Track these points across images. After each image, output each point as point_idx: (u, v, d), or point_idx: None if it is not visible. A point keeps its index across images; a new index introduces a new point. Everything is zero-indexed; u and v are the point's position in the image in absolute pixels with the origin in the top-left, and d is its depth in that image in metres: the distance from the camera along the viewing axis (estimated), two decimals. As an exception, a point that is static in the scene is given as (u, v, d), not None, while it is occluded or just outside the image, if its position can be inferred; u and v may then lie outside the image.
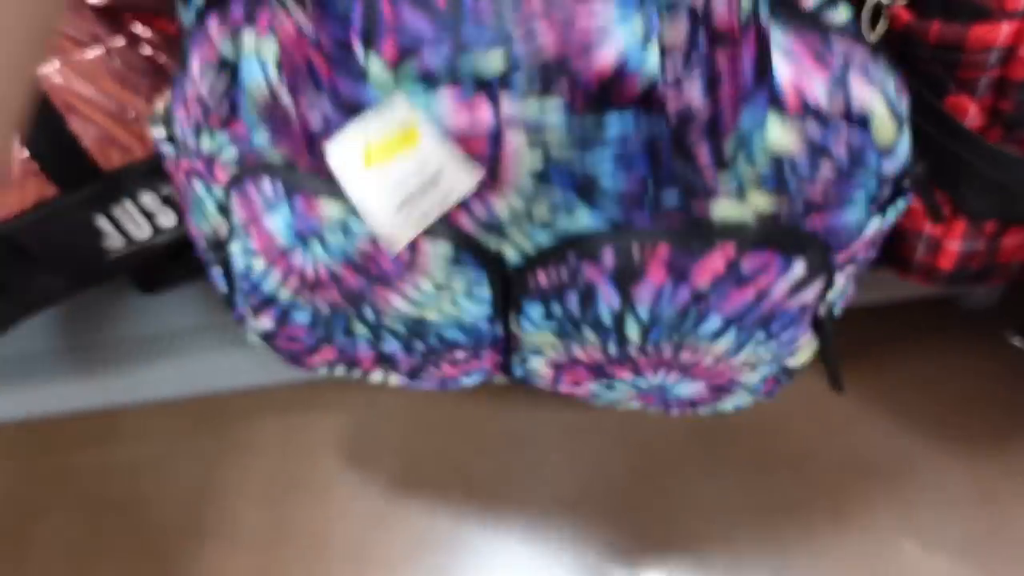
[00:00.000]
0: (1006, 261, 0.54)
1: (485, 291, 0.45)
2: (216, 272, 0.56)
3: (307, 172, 0.42)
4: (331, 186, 0.41)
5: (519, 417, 0.81)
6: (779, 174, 0.38)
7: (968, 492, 0.69)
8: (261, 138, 0.43)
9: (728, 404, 0.55)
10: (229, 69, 0.43)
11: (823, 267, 0.43)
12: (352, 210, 0.41)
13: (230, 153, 0.46)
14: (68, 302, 0.88)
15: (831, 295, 0.47)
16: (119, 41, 0.56)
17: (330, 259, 0.45)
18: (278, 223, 0.45)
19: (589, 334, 0.46)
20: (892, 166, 0.41)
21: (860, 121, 0.38)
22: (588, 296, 0.43)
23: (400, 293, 0.46)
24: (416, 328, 0.49)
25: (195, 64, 0.44)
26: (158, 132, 0.49)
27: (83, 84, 0.56)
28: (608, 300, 0.43)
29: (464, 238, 0.42)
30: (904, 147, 0.41)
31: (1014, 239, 0.53)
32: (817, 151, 0.37)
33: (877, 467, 0.72)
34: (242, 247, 0.49)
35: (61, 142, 0.57)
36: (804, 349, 0.53)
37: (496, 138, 0.36)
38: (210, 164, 0.48)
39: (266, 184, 0.44)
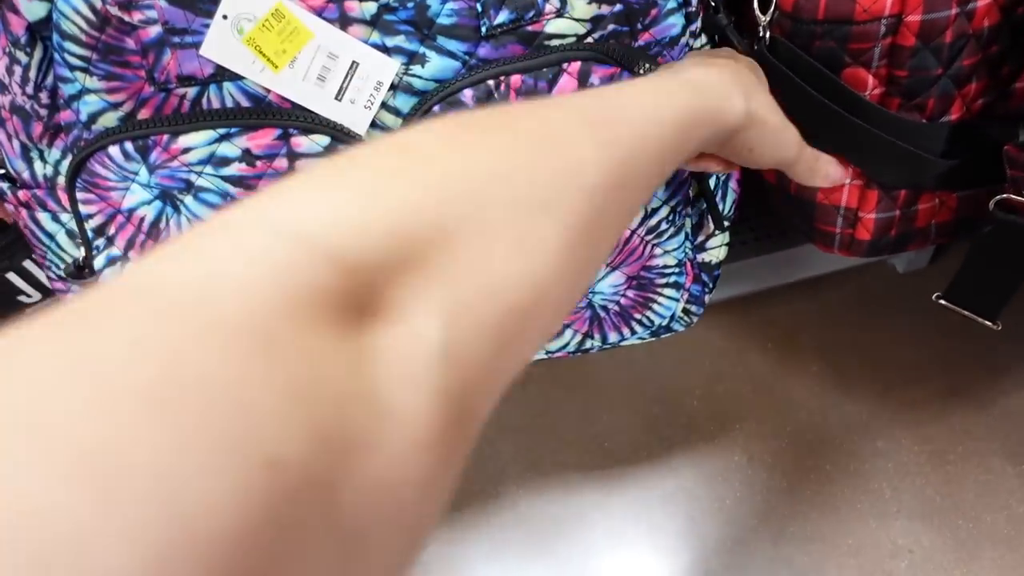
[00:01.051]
0: (923, 226, 0.55)
1: None
2: None
3: (153, 117, 0.42)
4: (183, 118, 0.41)
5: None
6: None
7: (918, 456, 0.70)
8: (92, 102, 0.42)
9: (661, 311, 0.55)
10: (38, 37, 0.41)
11: None
12: (217, 136, 0.41)
13: (67, 164, 0.44)
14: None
15: None
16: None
17: (205, 210, 0.44)
18: (138, 195, 0.44)
19: None
20: None
21: None
22: None
23: None
24: None
25: (1, 61, 0.42)
26: None
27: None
28: None
29: (338, 128, 0.43)
30: None
31: (928, 204, 0.53)
32: None
33: (828, 441, 0.72)
34: (107, 258, 0.46)
35: None
36: (714, 242, 0.56)
37: None
38: (51, 189, 0.46)
39: (115, 153, 0.42)
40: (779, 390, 0.76)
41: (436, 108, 0.43)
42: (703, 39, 0.48)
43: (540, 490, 0.74)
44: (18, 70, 0.42)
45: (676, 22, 0.45)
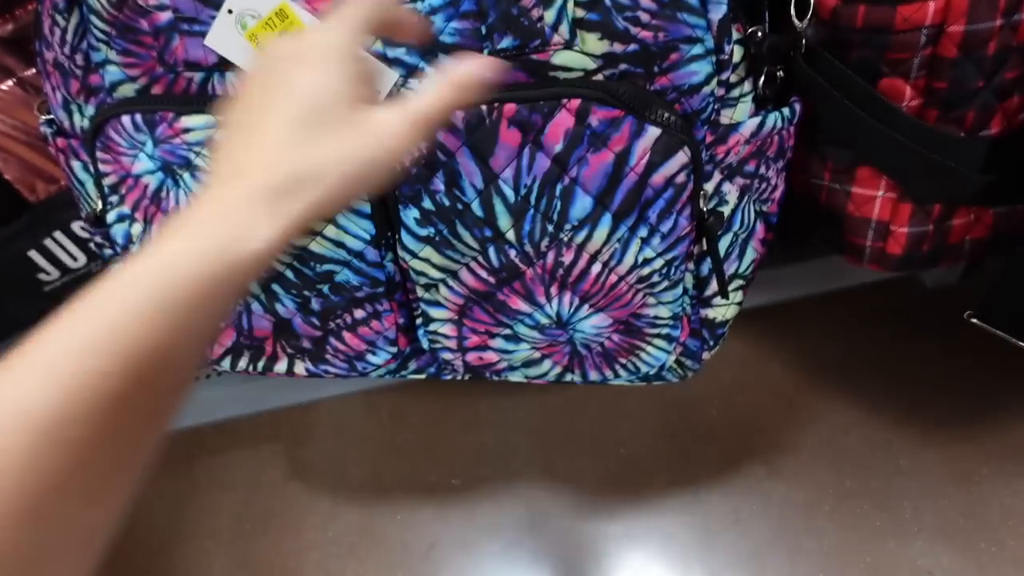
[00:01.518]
0: (957, 242, 0.53)
1: (364, 201, 0.45)
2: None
3: (163, 94, 0.44)
4: (188, 101, 0.43)
5: (490, 431, 0.79)
6: (600, 7, 0.40)
7: (943, 476, 0.68)
8: (113, 72, 0.44)
9: (649, 360, 0.53)
10: (75, 5, 0.43)
11: (683, 135, 0.42)
12: (215, 122, 0.41)
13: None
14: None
15: (719, 194, 0.47)
16: (31, 70, 0.54)
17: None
18: (144, 164, 0.46)
19: (465, 235, 0.45)
20: (717, 13, 0.41)
21: None
22: (451, 176, 0.44)
23: None
24: (306, 271, 0.48)
25: (46, 21, 0.44)
26: (42, 117, 0.50)
27: (0, 116, 0.54)
28: (470, 176, 0.43)
29: None
30: None
31: (963, 219, 0.52)
32: None
33: (849, 457, 0.71)
34: (117, 215, 0.48)
35: None
36: (722, 300, 0.52)
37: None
38: (85, 141, 0.48)
39: (127, 122, 0.44)
40: (800, 403, 0.75)
41: None
42: (746, 87, 0.45)
43: (554, 493, 0.73)
44: (58, 31, 0.44)
45: (699, 70, 0.42)
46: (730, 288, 0.52)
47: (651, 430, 0.76)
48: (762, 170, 0.49)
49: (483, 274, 0.48)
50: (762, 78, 0.46)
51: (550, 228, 0.45)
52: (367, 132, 0.28)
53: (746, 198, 0.50)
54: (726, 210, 0.49)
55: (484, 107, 0.42)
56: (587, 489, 0.73)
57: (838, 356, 0.77)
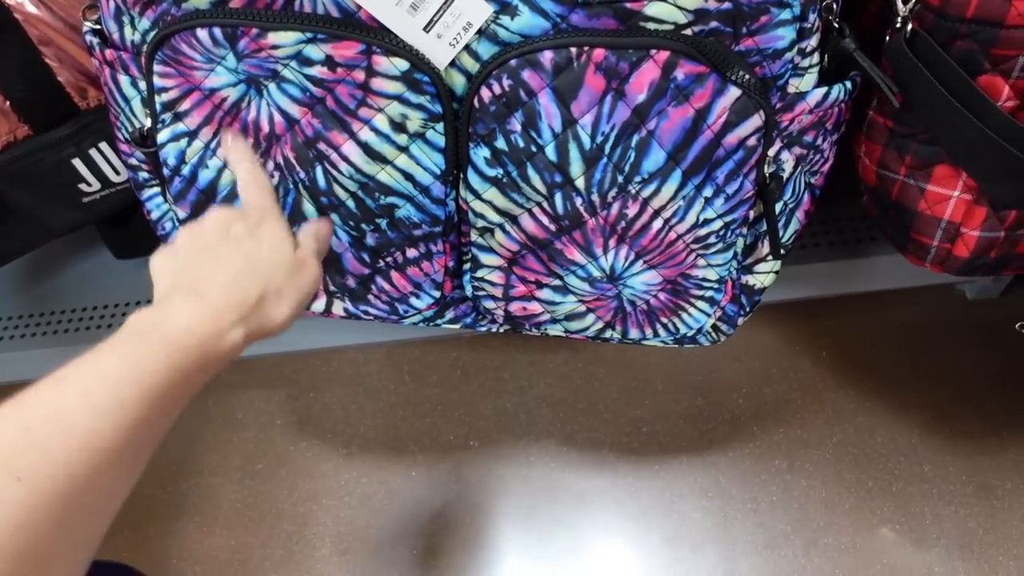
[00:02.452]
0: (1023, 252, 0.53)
1: (439, 133, 0.45)
2: (147, 195, 0.53)
3: (244, 8, 0.42)
4: (274, 16, 0.42)
5: (511, 397, 0.78)
6: None
7: (966, 486, 0.68)
8: None
9: (690, 322, 0.53)
10: None
11: (760, 99, 0.43)
12: (304, 38, 0.42)
13: (153, 35, 0.44)
14: (40, 266, 0.84)
15: (777, 162, 0.48)
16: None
17: (286, 100, 0.45)
18: (223, 76, 0.44)
19: (535, 178, 0.45)
20: None
21: None
22: (530, 117, 0.43)
23: (355, 139, 0.45)
24: (368, 202, 0.48)
25: None
26: (87, 23, 0.48)
27: (59, 14, 0.52)
28: (550, 119, 0.43)
29: (420, 57, 0.42)
30: None
31: (1035, 227, 0.51)
32: None
33: (873, 459, 0.70)
34: (172, 133, 0.47)
35: (35, 78, 0.53)
36: (763, 267, 0.53)
37: None
38: (136, 55, 0.46)
39: (203, 36, 0.43)
40: (828, 400, 0.74)
41: (513, 62, 0.42)
42: (815, 58, 0.45)
43: (573, 464, 0.73)
44: None
45: (785, 35, 0.42)
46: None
47: (675, 412, 0.75)
48: (819, 141, 0.49)
49: (545, 220, 0.47)
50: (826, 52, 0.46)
51: (620, 179, 0.45)
52: (303, 274, 0.40)
53: (800, 168, 0.50)
54: (784, 171, 0.48)
55: (573, 50, 0.41)
56: (606, 464, 0.73)
57: (870, 358, 0.77)
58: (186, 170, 0.48)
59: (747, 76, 0.42)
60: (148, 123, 0.48)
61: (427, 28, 0.42)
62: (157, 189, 0.53)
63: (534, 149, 0.44)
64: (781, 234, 0.52)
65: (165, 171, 0.49)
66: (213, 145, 0.47)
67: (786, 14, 0.41)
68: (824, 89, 0.46)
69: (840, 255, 0.75)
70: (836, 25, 0.45)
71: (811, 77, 0.45)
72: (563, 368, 0.80)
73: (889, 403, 0.74)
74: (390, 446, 0.76)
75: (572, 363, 0.80)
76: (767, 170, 0.47)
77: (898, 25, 0.46)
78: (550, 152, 0.44)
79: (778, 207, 0.50)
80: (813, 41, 0.44)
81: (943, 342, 0.77)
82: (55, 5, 0.53)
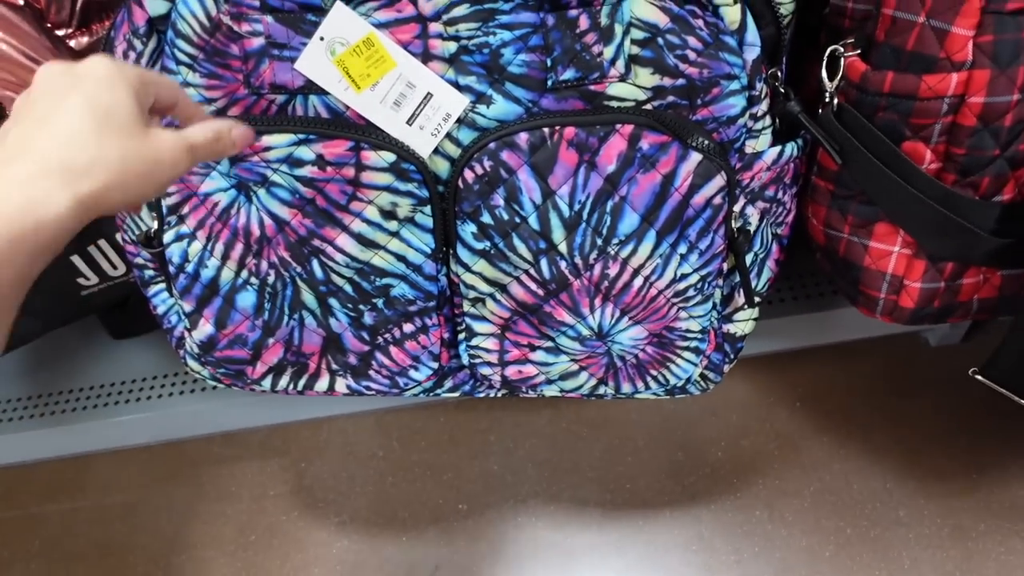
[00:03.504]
0: (966, 300, 0.56)
1: (427, 215, 0.48)
2: (152, 291, 0.56)
3: (241, 115, 0.46)
4: (270, 120, 0.45)
5: (497, 459, 0.80)
6: (654, 46, 0.44)
7: (941, 529, 0.70)
8: (190, 95, 0.45)
9: (678, 372, 0.56)
10: (155, 31, 0.45)
11: (721, 161, 0.47)
12: (296, 139, 0.45)
13: None
14: (39, 348, 0.87)
15: (743, 216, 0.51)
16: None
17: (276, 203, 0.48)
18: (216, 182, 0.48)
19: (520, 247, 0.48)
20: (751, 54, 0.46)
21: (711, 7, 0.44)
22: (512, 192, 0.47)
23: (348, 231, 0.48)
24: (365, 285, 0.50)
25: (120, 45, 0.46)
26: None
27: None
28: (530, 192, 0.47)
29: (404, 149, 0.46)
30: (754, 35, 0.46)
31: (973, 279, 0.55)
32: (679, 21, 0.43)
33: (851, 505, 0.72)
34: (176, 234, 0.50)
35: None
36: (741, 316, 0.56)
37: (423, 32, 0.44)
38: None
39: None
40: (805, 449, 0.77)
41: (491, 145, 0.46)
42: (767, 121, 0.50)
43: (559, 523, 0.75)
44: (132, 55, 0.47)
45: (736, 103, 0.47)
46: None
47: (657, 467, 0.77)
48: (779, 195, 0.54)
49: (533, 286, 0.51)
50: (777, 115, 0.51)
51: (599, 241, 0.49)
52: (150, 144, 0.33)
53: (765, 221, 0.54)
54: (749, 224, 0.53)
55: (546, 130, 0.45)
56: (592, 521, 0.74)
57: (842, 405, 0.79)
58: (190, 268, 0.52)
59: (706, 142, 0.46)
60: (155, 225, 0.52)
61: (410, 121, 0.46)
62: (162, 285, 0.56)
63: (518, 220, 0.48)
64: (755, 283, 0.56)
65: (171, 268, 0.52)
66: (209, 248, 0.51)
67: (735, 85, 0.46)
68: (778, 148, 0.51)
69: (809, 308, 0.79)
70: (782, 91, 0.50)
71: (765, 138, 0.50)
72: (547, 428, 0.82)
73: (862, 449, 0.76)
74: (380, 512, 0.78)
75: (556, 423, 0.82)
76: (735, 224, 0.51)
77: (827, 100, 0.51)
78: (533, 222, 0.48)
79: (749, 258, 0.54)
80: (763, 106, 0.49)
81: (910, 387, 0.80)
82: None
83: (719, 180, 0.47)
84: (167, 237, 0.51)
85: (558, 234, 0.48)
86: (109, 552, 0.79)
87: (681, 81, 0.45)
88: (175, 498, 0.82)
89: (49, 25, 0.56)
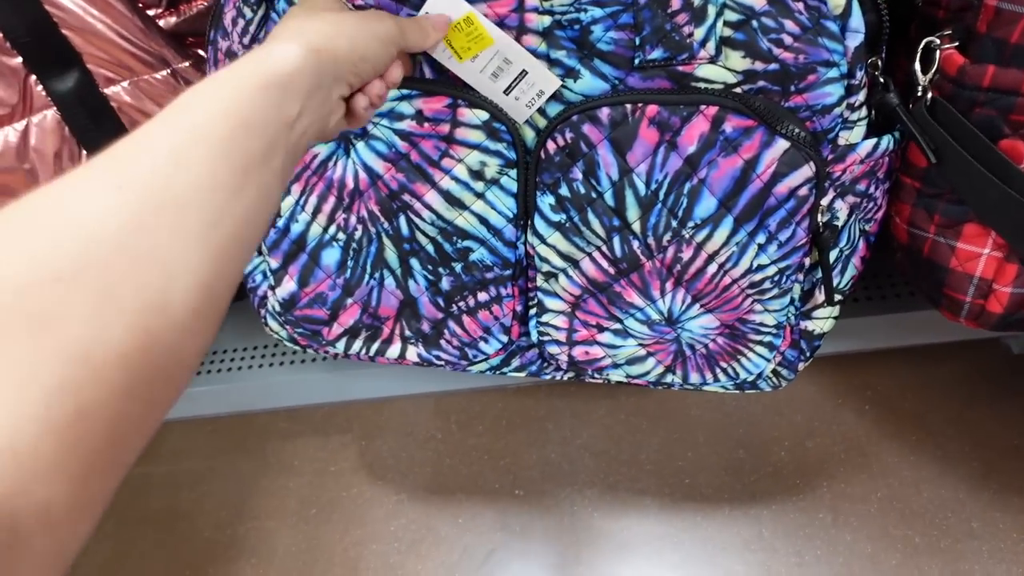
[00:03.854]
0: (1059, 305, 0.53)
1: (512, 179, 0.49)
2: None
3: None
4: None
5: (555, 447, 0.80)
6: (747, 28, 0.43)
7: (1017, 543, 0.67)
8: None
9: (750, 367, 0.55)
10: (263, 0, 0.46)
11: (810, 151, 0.45)
12: (399, 95, 0.47)
13: None
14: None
15: (831, 210, 0.50)
16: (185, 63, 0.59)
17: (372, 156, 0.49)
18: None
19: (595, 222, 0.48)
20: (854, 41, 0.44)
21: None
22: (590, 167, 0.47)
23: (437, 188, 0.49)
24: (446, 247, 0.51)
25: (229, 12, 0.48)
26: None
27: (151, 104, 0.58)
28: (607, 168, 0.47)
29: (496, 107, 0.47)
30: (858, 21, 0.44)
31: (1068, 283, 0.52)
32: (777, 3, 0.42)
33: (920, 514, 0.70)
34: None
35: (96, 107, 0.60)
36: (821, 313, 0.55)
37: (519, 6, 0.45)
38: None
39: None
40: (873, 454, 0.74)
41: (575, 117, 0.46)
42: (863, 111, 0.48)
43: (615, 515, 0.74)
44: (241, 23, 0.48)
45: (833, 91, 0.45)
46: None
47: (718, 464, 0.76)
48: (871, 190, 0.52)
49: (604, 264, 0.51)
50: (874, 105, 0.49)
51: (674, 223, 0.48)
52: (367, 14, 0.40)
53: (854, 216, 0.52)
54: (837, 219, 0.51)
55: (629, 106, 0.45)
56: (649, 514, 0.74)
57: (915, 411, 0.77)
58: (280, 223, 0.53)
59: (797, 130, 0.45)
60: None
61: (507, 91, 0.48)
62: None
63: (594, 195, 0.48)
64: (838, 280, 0.54)
65: None
66: (302, 201, 0.52)
67: (833, 72, 0.45)
68: (874, 140, 0.49)
69: (884, 309, 0.77)
70: (881, 80, 0.48)
71: (860, 129, 0.49)
72: (606, 419, 0.82)
73: (935, 457, 0.73)
74: (438, 493, 0.79)
75: (615, 414, 0.82)
76: (821, 219, 0.50)
77: (919, 93, 0.49)
78: (608, 198, 0.48)
79: (833, 254, 0.52)
80: (861, 96, 0.47)
81: (988, 396, 0.77)
82: (147, 95, 0.59)
83: (806, 170, 0.46)
84: None
85: (632, 212, 0.48)
86: (178, 517, 0.82)
87: (774, 66, 0.44)
88: (241, 469, 0.85)
89: (140, 5, 0.58)
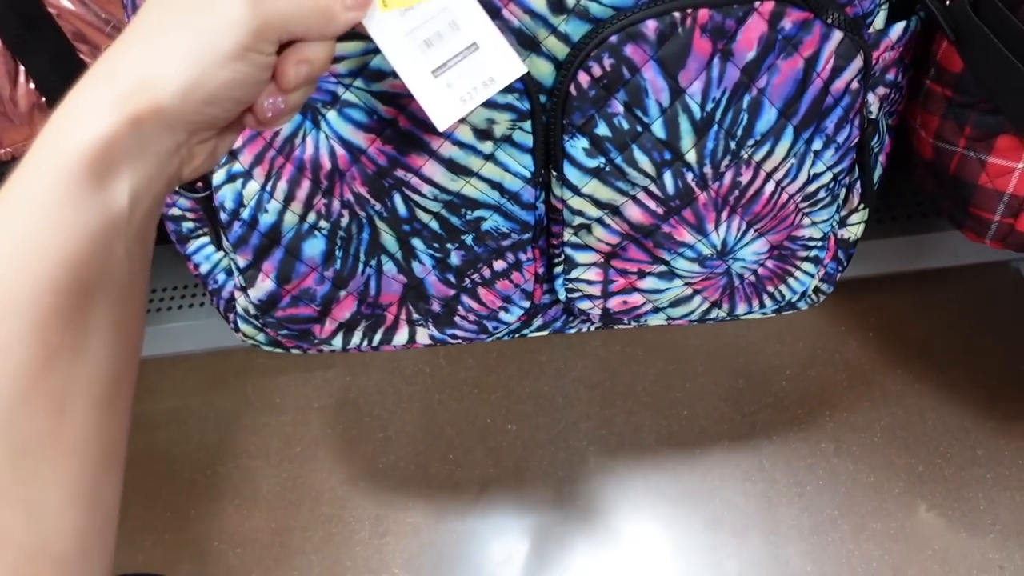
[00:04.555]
0: (1092, 224, 0.50)
1: (527, 132, 0.41)
2: (193, 247, 0.49)
3: None
4: None
5: (548, 380, 0.78)
6: None
7: (1020, 471, 0.66)
8: None
9: (795, 286, 0.52)
10: None
11: (857, 38, 0.41)
12: (371, 47, 0.36)
13: None
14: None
15: (866, 104, 0.46)
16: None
17: (349, 128, 0.40)
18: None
19: (642, 160, 0.42)
20: None
21: None
22: (634, 95, 0.40)
23: (436, 157, 0.41)
24: (453, 221, 0.44)
25: None
26: None
27: (94, 8, 0.52)
28: (657, 93, 0.40)
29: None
30: None
31: (1105, 200, 0.49)
32: None
33: (924, 443, 0.68)
34: (226, 174, 0.42)
35: (70, 72, 0.53)
36: (855, 218, 0.52)
37: None
38: None
39: None
40: (876, 382, 0.72)
41: (613, 38, 0.38)
42: None
43: (611, 448, 0.72)
44: None
45: None
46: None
47: (716, 394, 0.74)
48: (899, 78, 0.48)
49: (652, 205, 0.45)
50: None
51: (732, 145, 0.43)
52: (203, 2, 0.26)
53: (882, 109, 0.48)
54: (876, 120, 0.48)
55: (677, 15, 0.38)
56: (646, 447, 0.72)
57: (920, 338, 0.74)
58: (245, 213, 0.44)
59: (843, 18, 0.40)
60: None
61: (436, 72, 0.35)
62: (205, 239, 0.50)
63: (639, 129, 0.41)
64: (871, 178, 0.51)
65: (222, 216, 0.44)
66: (269, 187, 0.43)
67: None
68: (903, 23, 0.45)
69: (888, 232, 0.73)
70: None
71: (883, 14, 0.44)
72: (600, 351, 0.79)
73: (940, 384, 0.71)
74: (427, 429, 0.76)
75: (610, 345, 0.79)
76: (868, 112, 0.46)
77: (960, -12, 0.44)
78: (657, 129, 0.41)
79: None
80: None
81: (996, 321, 0.74)
82: (88, 1, 0.52)
83: (859, 61, 0.42)
84: (216, 178, 0.43)
85: (687, 141, 0.42)
86: (156, 459, 0.79)
87: None
88: (220, 408, 0.81)
89: None
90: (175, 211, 0.48)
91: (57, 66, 0.53)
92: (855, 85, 0.42)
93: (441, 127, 0.35)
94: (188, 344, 0.83)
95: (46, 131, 0.25)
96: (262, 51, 0.27)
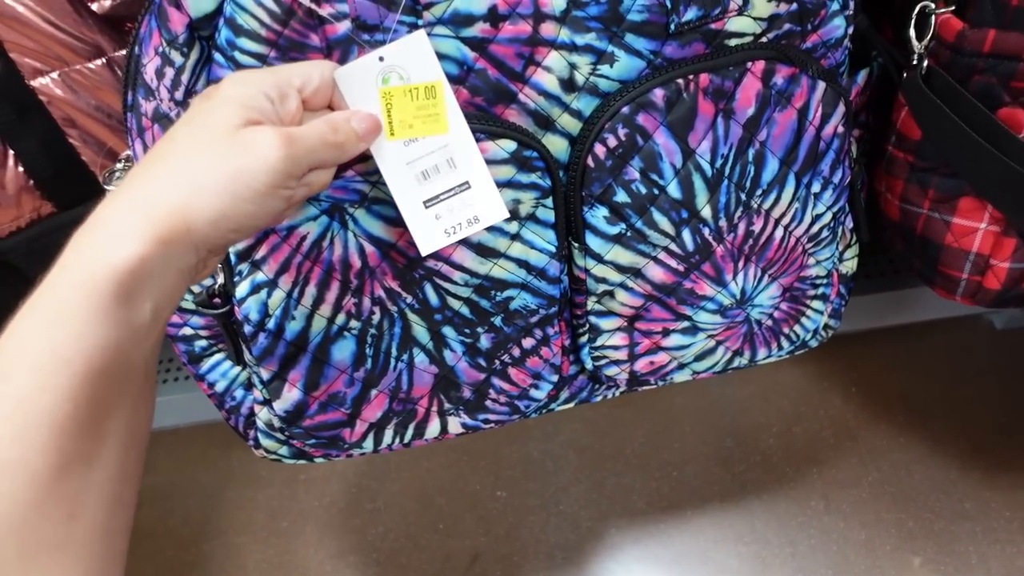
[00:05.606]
0: (1057, 280, 0.52)
1: (549, 208, 0.42)
2: (207, 366, 0.48)
3: None
4: None
5: (536, 445, 0.77)
6: None
7: (1010, 522, 0.66)
8: None
9: (808, 325, 0.54)
10: (197, 37, 0.37)
11: (836, 86, 0.45)
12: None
13: None
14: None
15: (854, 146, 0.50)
16: (122, 51, 0.53)
17: (378, 224, 0.41)
18: (303, 210, 0.40)
19: (662, 221, 0.43)
20: None
21: None
22: (649, 161, 0.42)
23: (465, 242, 0.42)
24: (483, 304, 0.44)
25: (151, 63, 0.39)
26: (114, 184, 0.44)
27: (84, 96, 0.53)
28: (670, 156, 0.42)
29: (522, 132, 0.40)
30: None
31: (1067, 257, 0.50)
32: None
33: (912, 497, 0.69)
34: (250, 285, 0.42)
35: (59, 156, 0.54)
36: (849, 253, 0.55)
37: None
38: None
39: None
40: (862, 437, 0.73)
41: (625, 109, 0.40)
42: (847, 42, 0.47)
43: (602, 512, 0.72)
44: (170, 72, 0.38)
45: (839, 24, 0.44)
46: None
47: (705, 454, 0.74)
48: (869, 119, 0.52)
49: (672, 263, 0.46)
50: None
51: (743, 196, 0.45)
52: (236, 141, 0.29)
53: (859, 149, 0.52)
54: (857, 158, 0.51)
55: (680, 81, 0.40)
56: (637, 510, 0.71)
57: (901, 392, 0.75)
58: (271, 323, 0.43)
59: (820, 69, 0.44)
60: (220, 279, 0.43)
61: (428, 203, 0.38)
62: (220, 355, 0.49)
63: (656, 192, 0.43)
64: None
65: (247, 328, 0.43)
66: (296, 294, 0.42)
67: (835, 4, 0.43)
68: (867, 69, 0.49)
69: (864, 290, 0.75)
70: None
71: (847, 62, 0.48)
72: (588, 412, 0.79)
73: (924, 437, 0.72)
74: (416, 499, 0.75)
75: (597, 407, 0.79)
76: (853, 151, 0.50)
77: (914, 62, 0.46)
78: (673, 190, 0.43)
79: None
80: (851, 26, 0.46)
81: (973, 373, 0.76)
82: (80, 87, 0.54)
83: (842, 107, 0.45)
84: (240, 291, 0.42)
85: (701, 198, 0.43)
86: (140, 537, 0.77)
87: (794, 6, 0.42)
88: (204, 482, 0.80)
89: (69, -13, 0.52)
90: (187, 331, 0.48)
91: (47, 151, 0.54)
92: (841, 128, 0.46)
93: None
94: (171, 419, 0.82)
95: (74, 247, 0.27)
96: (289, 187, 0.30)
